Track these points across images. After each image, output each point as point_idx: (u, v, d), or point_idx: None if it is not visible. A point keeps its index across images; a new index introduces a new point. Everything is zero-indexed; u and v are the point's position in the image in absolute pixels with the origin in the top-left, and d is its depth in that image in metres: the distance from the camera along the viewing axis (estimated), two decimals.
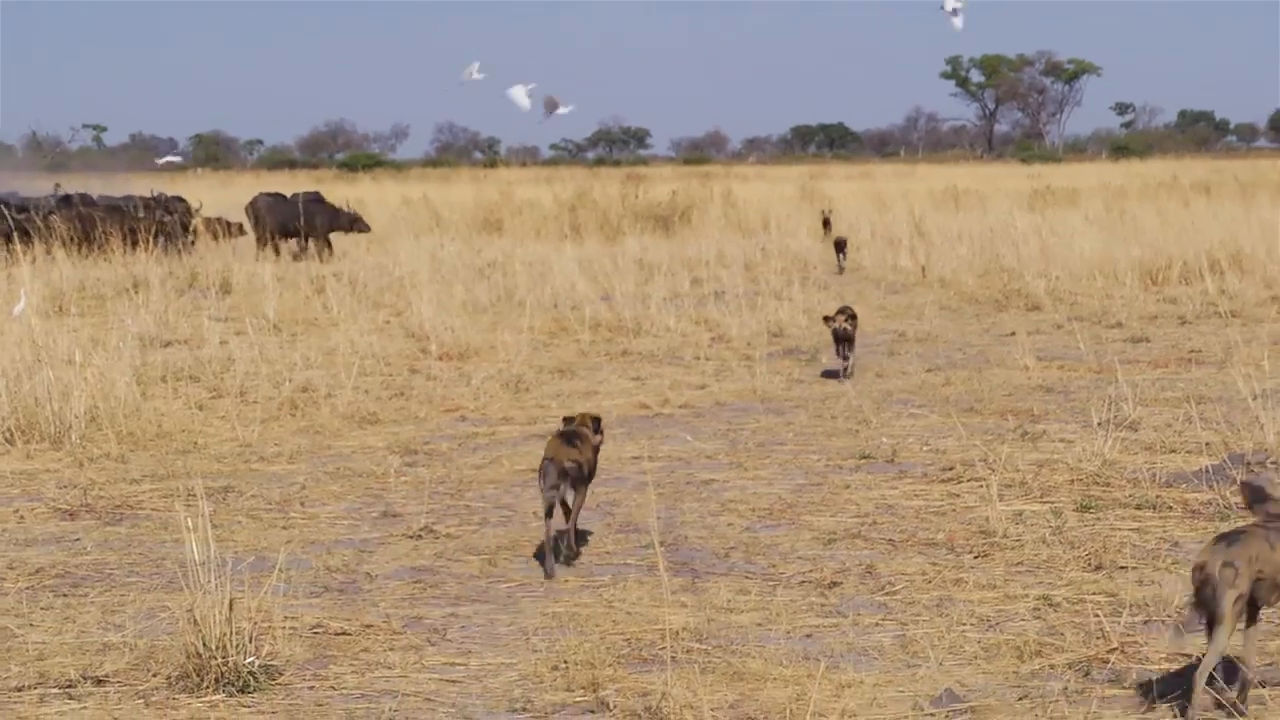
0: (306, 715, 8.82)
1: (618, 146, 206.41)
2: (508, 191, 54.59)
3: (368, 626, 10.38)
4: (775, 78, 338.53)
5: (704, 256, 37.78)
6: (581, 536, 12.55)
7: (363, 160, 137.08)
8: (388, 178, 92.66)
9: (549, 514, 11.74)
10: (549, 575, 11.59)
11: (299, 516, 13.64)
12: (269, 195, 41.06)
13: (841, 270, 35.97)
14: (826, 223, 42.43)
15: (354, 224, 40.60)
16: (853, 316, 20.74)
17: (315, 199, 40.55)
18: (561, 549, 11.97)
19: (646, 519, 12.47)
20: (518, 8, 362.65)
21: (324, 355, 21.28)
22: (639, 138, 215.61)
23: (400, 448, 16.51)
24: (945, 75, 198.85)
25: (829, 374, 20.91)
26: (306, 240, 39.80)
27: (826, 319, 20.89)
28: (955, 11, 22.69)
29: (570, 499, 11.94)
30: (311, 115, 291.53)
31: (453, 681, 9.32)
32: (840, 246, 37.24)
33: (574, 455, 11.97)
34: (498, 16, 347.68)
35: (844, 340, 20.66)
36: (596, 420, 12.81)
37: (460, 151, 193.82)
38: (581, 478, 12.02)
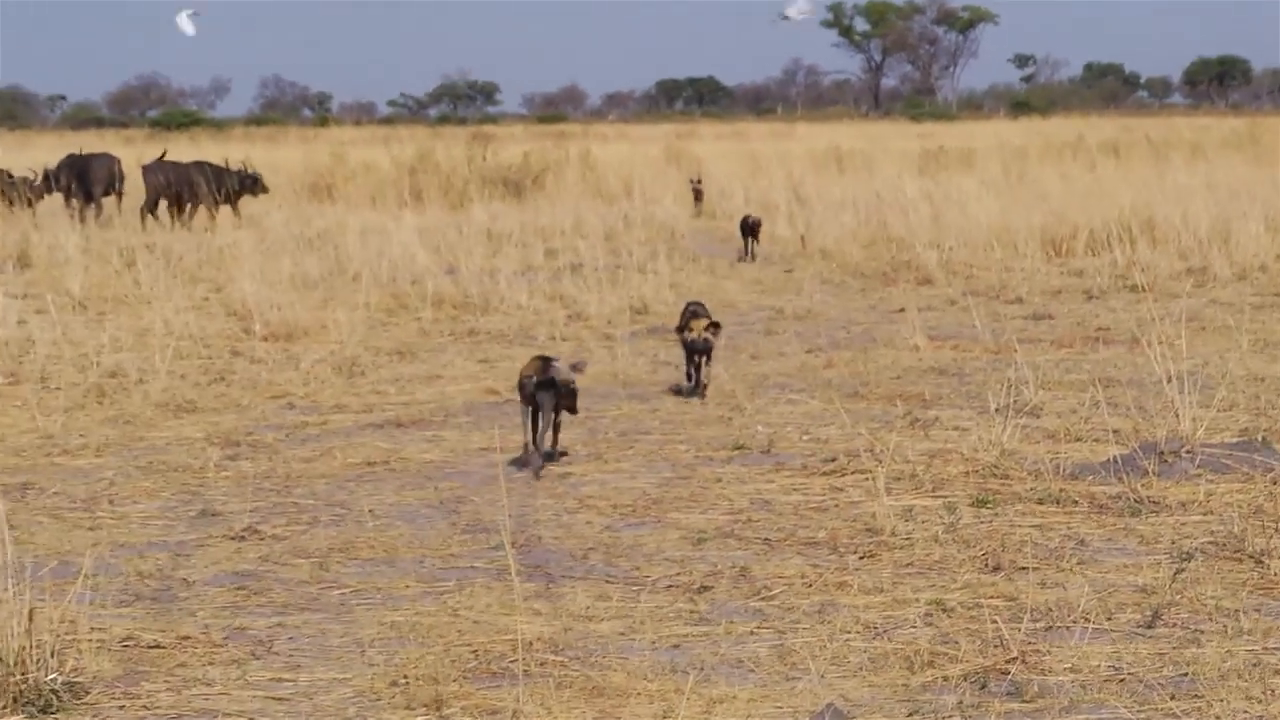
0: None
1: (463, 103, 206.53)
2: (340, 153, 54.36)
3: (184, 638, 10.33)
4: (639, 27, 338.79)
5: (559, 225, 37.75)
6: (423, 538, 12.55)
7: (178, 118, 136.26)
8: (206, 138, 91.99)
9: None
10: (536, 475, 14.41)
11: (107, 516, 13.55)
12: (156, 161, 40.95)
13: (752, 258, 33.10)
14: (698, 194, 41.85)
15: (253, 185, 40.55)
16: (715, 324, 18.26)
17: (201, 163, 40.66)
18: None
19: (496, 517, 12.48)
20: None
21: (135, 336, 21.21)
22: (487, 93, 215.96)
23: (221, 439, 16.43)
24: (827, 24, 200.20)
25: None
26: (194, 208, 39.65)
27: (680, 330, 18.47)
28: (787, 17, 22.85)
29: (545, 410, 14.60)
30: (121, 69, 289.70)
31: (280, 699, 9.29)
32: (751, 230, 33.50)
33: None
34: None
35: (701, 353, 18.26)
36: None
37: (288, 109, 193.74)
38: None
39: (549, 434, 15.09)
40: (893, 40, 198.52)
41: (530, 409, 14.93)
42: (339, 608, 10.99)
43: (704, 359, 18.14)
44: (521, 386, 14.99)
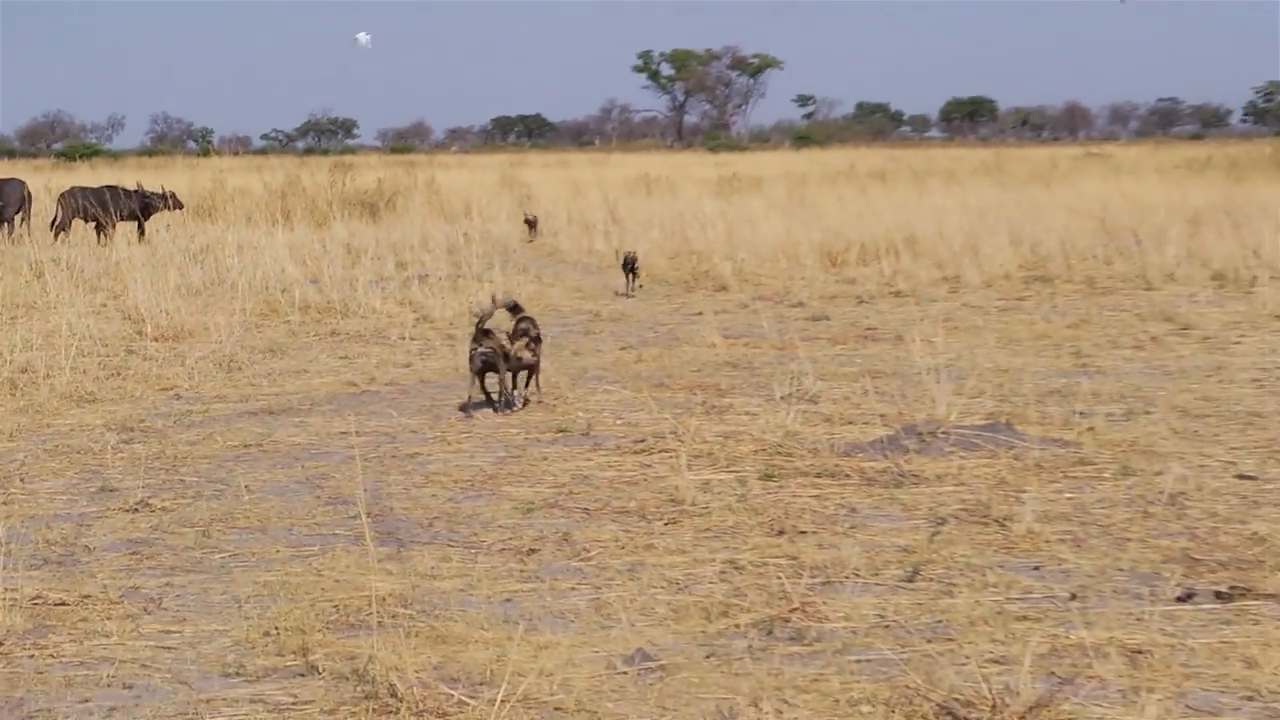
0: (27, 683, 8.68)
1: (326, 136, 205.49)
2: (220, 180, 53.78)
3: (86, 597, 10.24)
4: (476, 71, 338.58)
5: (409, 241, 37.60)
6: (291, 510, 12.51)
7: (80, 149, 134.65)
8: (105, 166, 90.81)
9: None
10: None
11: (19, 493, 13.39)
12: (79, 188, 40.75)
13: (631, 293, 29.51)
14: (531, 223, 41.01)
15: (163, 203, 40.43)
16: (536, 339, 17.15)
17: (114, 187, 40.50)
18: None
19: (354, 491, 12.42)
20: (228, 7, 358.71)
21: (44, 337, 20.93)
22: (347, 128, 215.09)
23: (117, 425, 16.28)
24: (637, 69, 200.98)
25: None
26: (113, 227, 39.29)
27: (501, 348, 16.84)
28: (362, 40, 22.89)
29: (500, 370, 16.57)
30: (30, 106, 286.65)
31: (168, 648, 9.21)
32: (631, 266, 29.73)
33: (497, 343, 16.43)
34: (207, 12, 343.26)
35: (525, 369, 17.21)
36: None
37: (175, 141, 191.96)
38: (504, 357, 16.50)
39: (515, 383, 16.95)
40: (693, 83, 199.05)
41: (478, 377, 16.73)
42: (219, 570, 10.91)
43: (529, 374, 17.29)
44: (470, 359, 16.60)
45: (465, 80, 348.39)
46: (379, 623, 9.48)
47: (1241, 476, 13.08)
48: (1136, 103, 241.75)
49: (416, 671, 8.45)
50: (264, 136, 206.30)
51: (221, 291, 27.45)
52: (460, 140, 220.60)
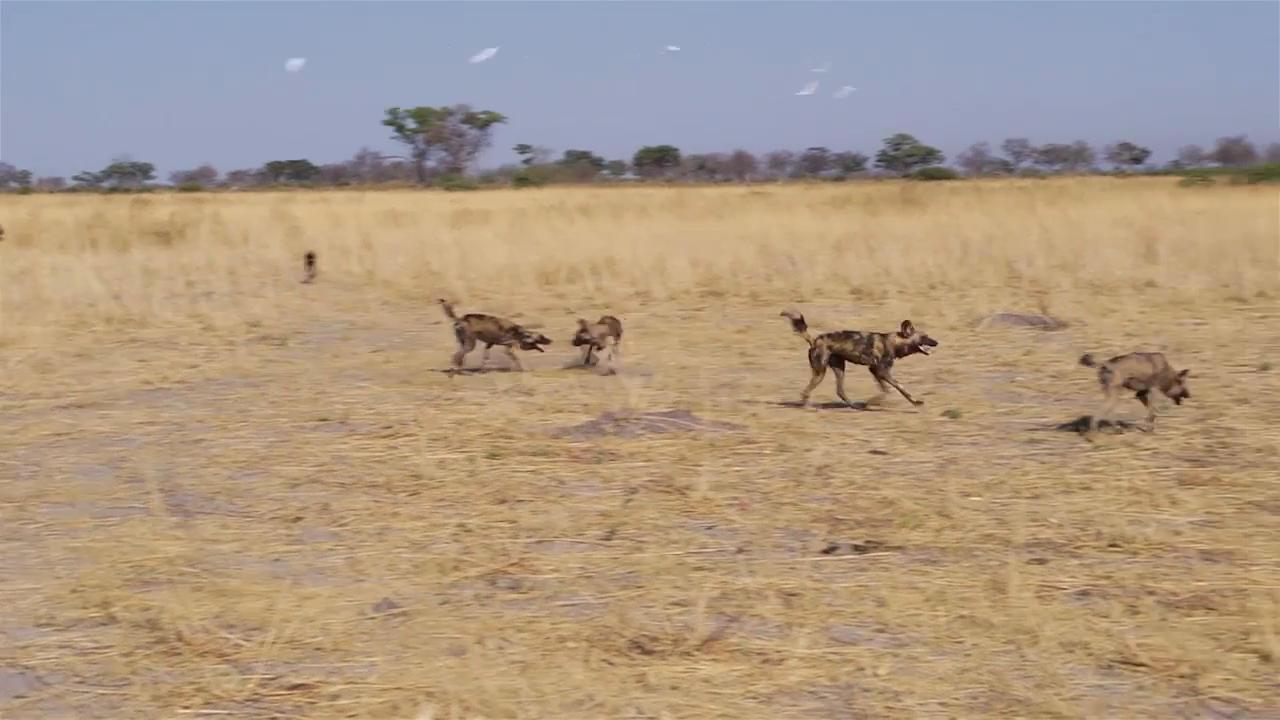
0: None
1: (127, 177, 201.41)
2: (37, 213, 52.63)
3: None
4: (252, 122, 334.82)
5: (197, 264, 37.07)
6: (96, 487, 12.23)
7: None
8: None
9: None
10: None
11: None
12: None
13: (309, 281, 31.68)
14: (310, 259, 39.56)
15: None
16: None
17: None
18: None
19: (148, 471, 12.20)
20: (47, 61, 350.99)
21: None
22: (144, 170, 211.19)
23: None
24: (387, 123, 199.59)
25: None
26: None
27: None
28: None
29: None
30: None
31: None
32: (310, 261, 31.83)
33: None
34: (25, 67, 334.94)
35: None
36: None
37: None
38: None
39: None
40: (432, 134, 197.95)
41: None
42: (34, 538, 10.62)
43: None
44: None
45: (244, 129, 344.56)
46: (169, 580, 9.34)
47: (874, 452, 13.31)
48: (791, 151, 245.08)
49: (200, 620, 8.33)
50: (75, 177, 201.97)
51: (38, 306, 26.82)
52: (240, 180, 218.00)
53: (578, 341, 18.91)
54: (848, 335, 15.88)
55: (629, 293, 29.34)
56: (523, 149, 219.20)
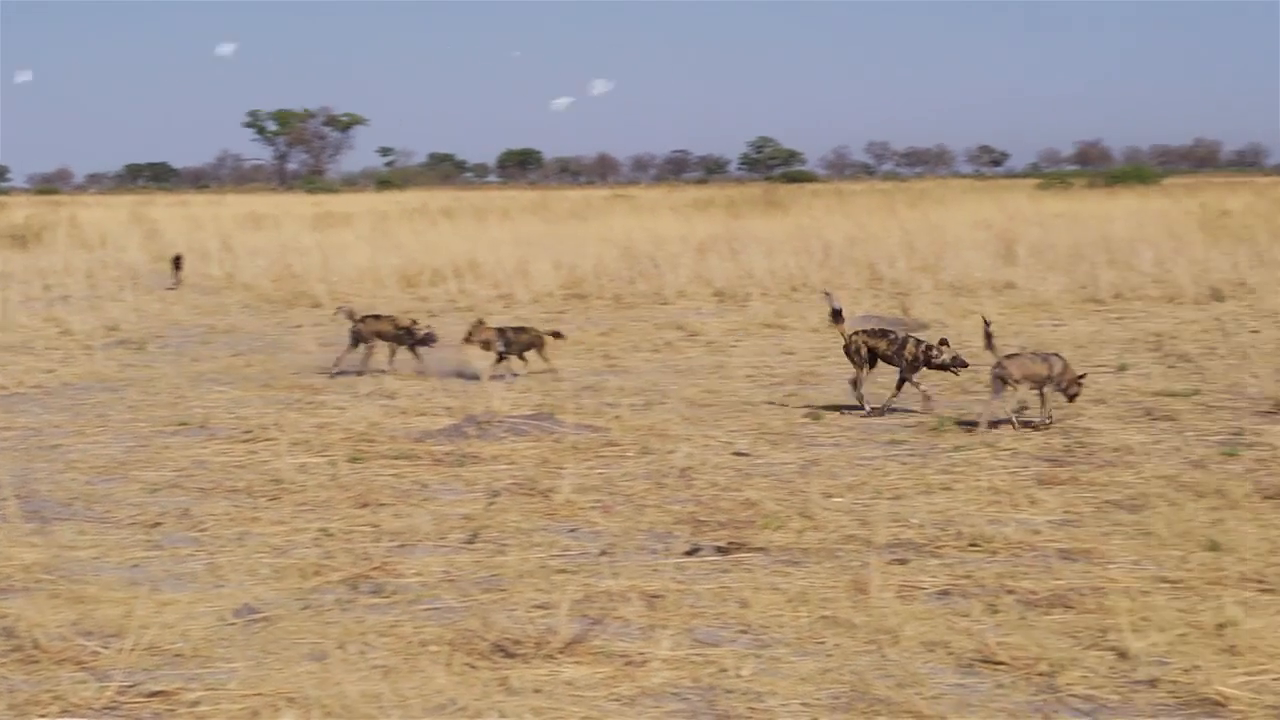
0: None
1: None
2: None
3: None
4: (110, 122, 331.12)
5: (53, 267, 36.58)
6: None
7: None
8: None
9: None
10: None
11: None
12: None
13: (174, 286, 31.23)
14: (178, 263, 38.52)
15: None
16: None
17: None
18: None
19: (4, 477, 11.98)
20: None
21: None
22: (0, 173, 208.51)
23: None
24: (247, 124, 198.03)
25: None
26: None
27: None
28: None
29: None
30: None
31: None
32: (176, 264, 31.76)
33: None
34: None
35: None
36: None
37: None
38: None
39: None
40: (294, 137, 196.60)
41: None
42: None
43: None
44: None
45: (101, 131, 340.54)
46: (25, 587, 9.20)
47: (737, 454, 13.37)
48: (655, 154, 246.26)
49: (57, 627, 8.23)
50: None
51: None
52: (98, 183, 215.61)
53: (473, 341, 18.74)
54: (883, 334, 15.69)
55: (492, 295, 29.27)
56: (385, 151, 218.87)
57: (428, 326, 19.06)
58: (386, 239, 42.15)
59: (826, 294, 16.57)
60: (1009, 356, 14.62)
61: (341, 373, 18.49)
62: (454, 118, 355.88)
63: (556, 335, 18.84)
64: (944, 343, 15.66)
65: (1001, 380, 14.40)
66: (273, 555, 10.01)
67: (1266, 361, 18.06)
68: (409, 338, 18.78)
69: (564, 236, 42.00)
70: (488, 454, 13.38)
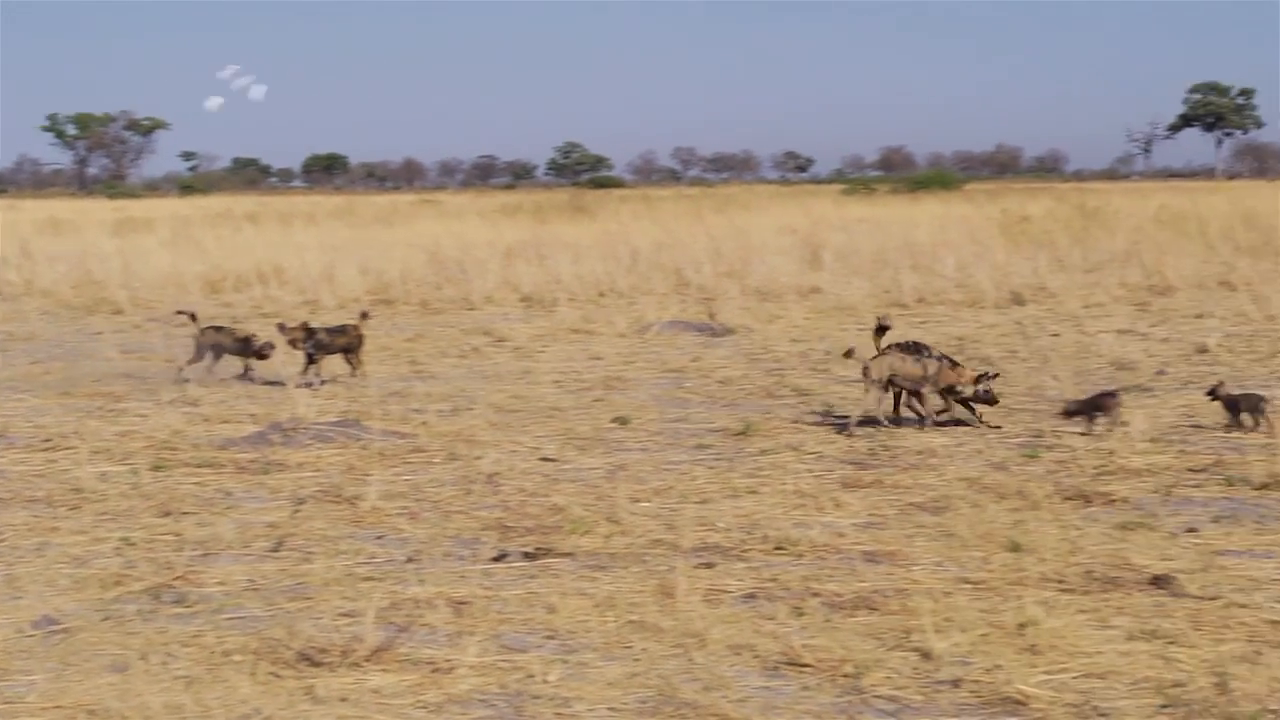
0: None
1: None
2: None
3: None
4: None
5: None
6: None
7: None
8: None
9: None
10: None
11: None
12: None
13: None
14: None
15: None
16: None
17: None
18: None
19: None
20: None
21: None
22: None
23: None
24: (46, 128, 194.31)
25: None
26: None
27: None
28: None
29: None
30: None
31: None
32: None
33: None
34: None
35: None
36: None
37: None
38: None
39: None
40: (94, 141, 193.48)
41: None
42: None
43: None
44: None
45: None
46: None
47: (545, 459, 13.38)
48: (462, 158, 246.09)
49: None
50: None
51: None
52: None
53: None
54: (917, 349, 15.11)
55: (298, 301, 28.97)
56: (188, 156, 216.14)
57: (268, 341, 18.84)
58: (190, 244, 41.63)
59: (878, 320, 15.72)
60: (876, 355, 14.80)
61: (185, 380, 18.19)
62: (258, 121, 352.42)
63: (364, 316, 18.74)
64: (985, 375, 15.02)
65: (868, 376, 14.62)
66: (73, 565, 9.85)
67: (1066, 364, 18.47)
68: (247, 349, 18.59)
69: (370, 242, 41.79)
70: (293, 461, 13.27)
